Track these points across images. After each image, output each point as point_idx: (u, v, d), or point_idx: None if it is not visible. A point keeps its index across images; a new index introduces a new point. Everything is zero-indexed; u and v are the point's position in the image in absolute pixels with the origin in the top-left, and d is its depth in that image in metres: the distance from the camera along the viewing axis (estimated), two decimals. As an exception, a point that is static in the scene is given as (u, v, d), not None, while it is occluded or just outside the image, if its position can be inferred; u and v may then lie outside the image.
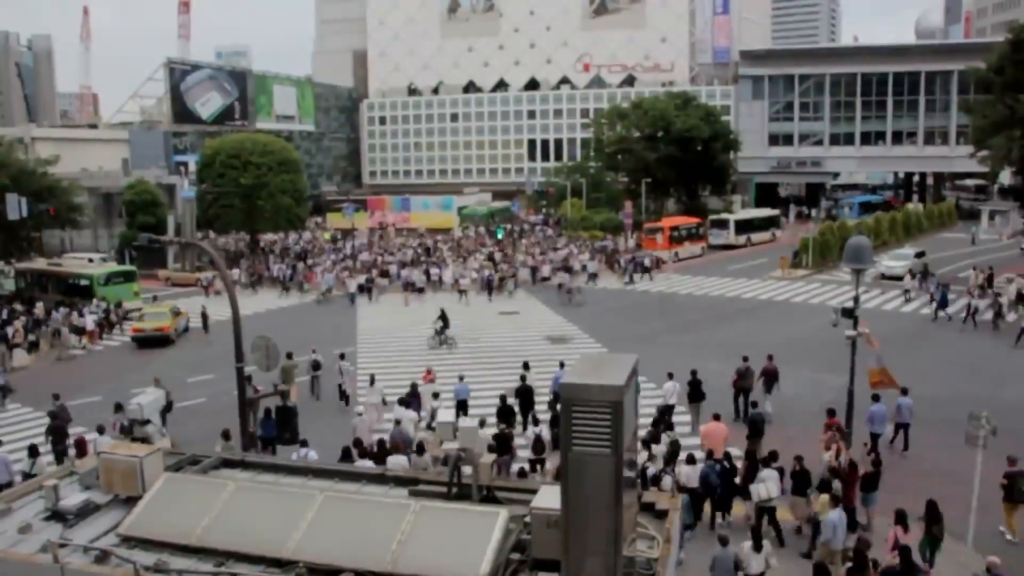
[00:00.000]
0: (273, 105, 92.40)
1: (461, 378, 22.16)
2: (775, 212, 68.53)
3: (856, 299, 18.85)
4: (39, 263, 45.58)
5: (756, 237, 60.73)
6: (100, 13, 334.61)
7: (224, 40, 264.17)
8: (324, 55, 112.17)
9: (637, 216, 62.24)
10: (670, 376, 21.28)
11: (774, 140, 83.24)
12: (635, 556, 6.94)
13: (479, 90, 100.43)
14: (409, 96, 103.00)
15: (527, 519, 7.21)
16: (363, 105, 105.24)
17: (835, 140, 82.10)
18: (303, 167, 66.50)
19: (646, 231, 57.66)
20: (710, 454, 16.69)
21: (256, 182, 56.57)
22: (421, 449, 16.81)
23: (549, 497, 6.86)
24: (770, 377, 22.56)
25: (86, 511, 8.07)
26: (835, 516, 13.95)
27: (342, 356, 25.14)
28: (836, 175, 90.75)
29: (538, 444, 17.89)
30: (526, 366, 22.73)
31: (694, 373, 21.75)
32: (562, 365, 23.17)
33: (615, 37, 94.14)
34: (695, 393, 21.36)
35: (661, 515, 7.88)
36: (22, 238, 47.46)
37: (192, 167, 66.22)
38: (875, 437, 18.83)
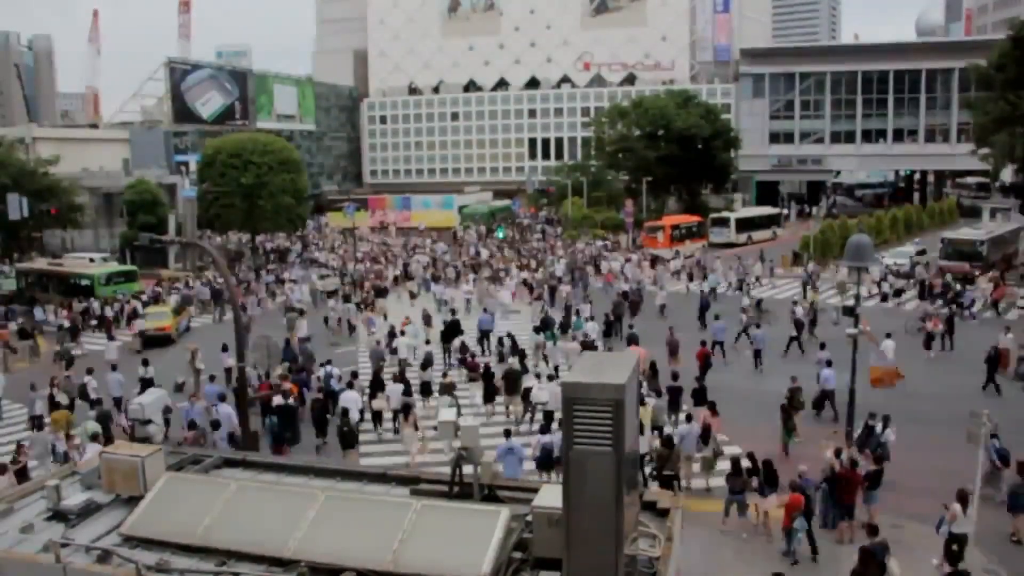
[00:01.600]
0: (274, 105, 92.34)
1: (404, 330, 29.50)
2: (776, 210, 68.53)
3: (857, 297, 18.90)
4: (40, 263, 45.61)
5: (757, 235, 60.69)
6: (101, 12, 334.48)
7: (224, 40, 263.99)
8: (324, 55, 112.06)
9: (638, 215, 62.29)
10: (591, 318, 30.78)
11: (775, 138, 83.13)
12: (637, 555, 6.95)
13: (479, 89, 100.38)
14: (409, 95, 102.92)
15: (528, 518, 7.22)
16: (363, 104, 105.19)
17: (836, 138, 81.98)
18: (304, 166, 66.41)
19: (647, 229, 57.70)
20: None
21: (257, 182, 56.54)
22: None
23: (551, 496, 6.87)
24: (635, 306, 34.48)
25: (88, 511, 8.08)
26: (684, 428, 18.36)
27: (346, 298, 36.19)
28: (837, 173, 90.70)
29: (463, 347, 27.62)
30: (454, 312, 32.78)
31: (607, 315, 31.43)
32: (485, 310, 32.80)
33: (615, 36, 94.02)
34: (608, 332, 30.41)
35: (663, 514, 7.88)
36: (23, 238, 47.48)
37: (193, 167, 66.18)
38: (717, 343, 27.96)
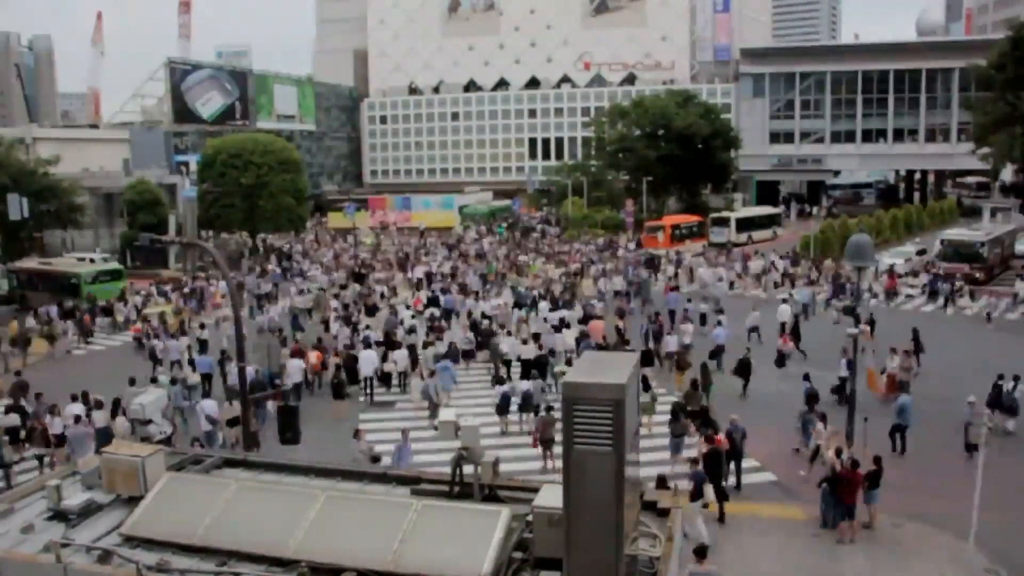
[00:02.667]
0: (274, 105, 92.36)
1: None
2: (776, 210, 68.51)
3: (857, 297, 18.89)
4: (30, 263, 45.77)
5: (757, 235, 60.66)
6: (101, 13, 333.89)
7: (224, 40, 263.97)
8: (324, 54, 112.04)
9: (638, 214, 62.35)
10: (541, 297, 34.99)
11: (775, 138, 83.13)
12: (637, 554, 6.95)
13: (480, 89, 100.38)
14: (410, 95, 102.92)
15: (529, 518, 7.22)
16: (364, 104, 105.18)
17: (836, 138, 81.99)
18: (304, 167, 66.34)
19: (647, 229, 57.76)
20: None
21: (257, 182, 56.54)
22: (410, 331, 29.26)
23: (551, 495, 6.86)
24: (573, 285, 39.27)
25: (88, 511, 8.08)
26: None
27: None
28: (837, 173, 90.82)
29: (432, 316, 32.31)
30: (423, 288, 40.57)
31: (554, 294, 35.65)
32: (445, 291, 37.14)
33: (616, 35, 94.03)
34: (553, 308, 32.56)
35: (663, 513, 7.88)
36: (23, 238, 47.53)
37: (193, 167, 66.16)
38: (673, 314, 31.51)
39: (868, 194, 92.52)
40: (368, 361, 25.03)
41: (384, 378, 26.04)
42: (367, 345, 26.76)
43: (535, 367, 24.14)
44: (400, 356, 26.12)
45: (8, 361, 30.42)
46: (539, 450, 19.30)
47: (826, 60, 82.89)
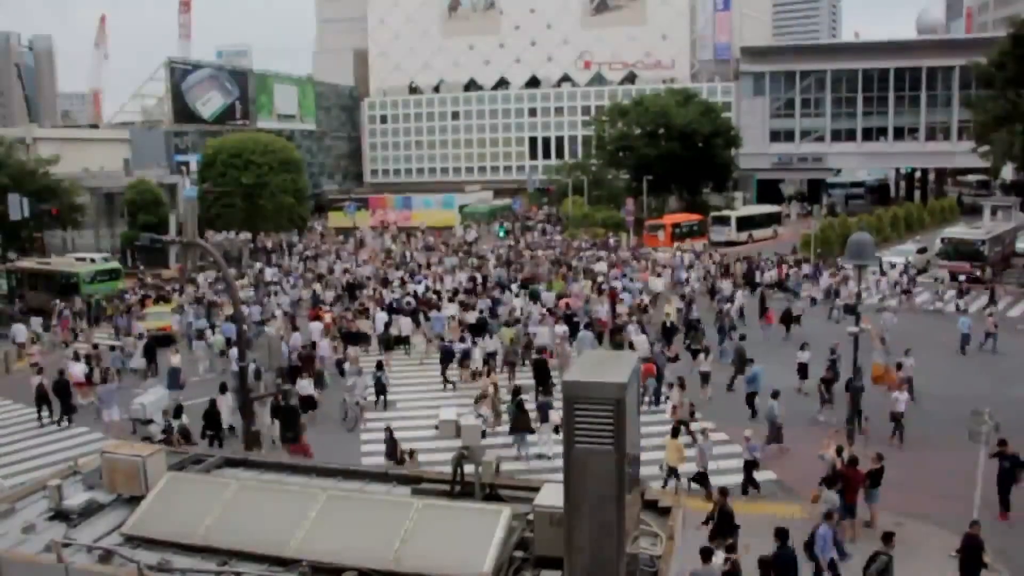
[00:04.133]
0: (274, 104, 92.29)
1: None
2: (777, 208, 68.45)
3: (858, 295, 18.89)
4: (28, 262, 45.82)
5: (758, 233, 60.63)
6: (101, 13, 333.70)
7: (224, 40, 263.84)
8: (325, 54, 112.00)
9: (639, 213, 62.24)
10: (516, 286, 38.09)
11: (775, 136, 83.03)
12: (638, 553, 6.95)
13: (480, 88, 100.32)
14: (410, 95, 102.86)
15: (530, 517, 7.22)
16: (364, 104, 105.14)
17: (836, 136, 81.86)
18: (304, 166, 66.31)
19: (648, 228, 57.73)
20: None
21: (257, 181, 56.57)
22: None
23: (552, 495, 6.87)
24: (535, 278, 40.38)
25: (89, 511, 8.09)
26: (582, 334, 26.81)
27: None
28: (838, 171, 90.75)
29: (415, 293, 36.47)
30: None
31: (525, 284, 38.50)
32: (409, 273, 43.26)
33: (616, 34, 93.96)
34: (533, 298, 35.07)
35: (664, 512, 7.88)
36: (24, 238, 47.55)
37: (193, 167, 66.15)
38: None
39: (860, 193, 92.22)
40: (380, 320, 30.80)
41: (398, 341, 30.58)
42: (393, 310, 32.73)
43: (478, 330, 28.64)
44: (405, 323, 30.93)
45: (8, 362, 30.51)
46: (506, 373, 25.18)
47: (826, 58, 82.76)
